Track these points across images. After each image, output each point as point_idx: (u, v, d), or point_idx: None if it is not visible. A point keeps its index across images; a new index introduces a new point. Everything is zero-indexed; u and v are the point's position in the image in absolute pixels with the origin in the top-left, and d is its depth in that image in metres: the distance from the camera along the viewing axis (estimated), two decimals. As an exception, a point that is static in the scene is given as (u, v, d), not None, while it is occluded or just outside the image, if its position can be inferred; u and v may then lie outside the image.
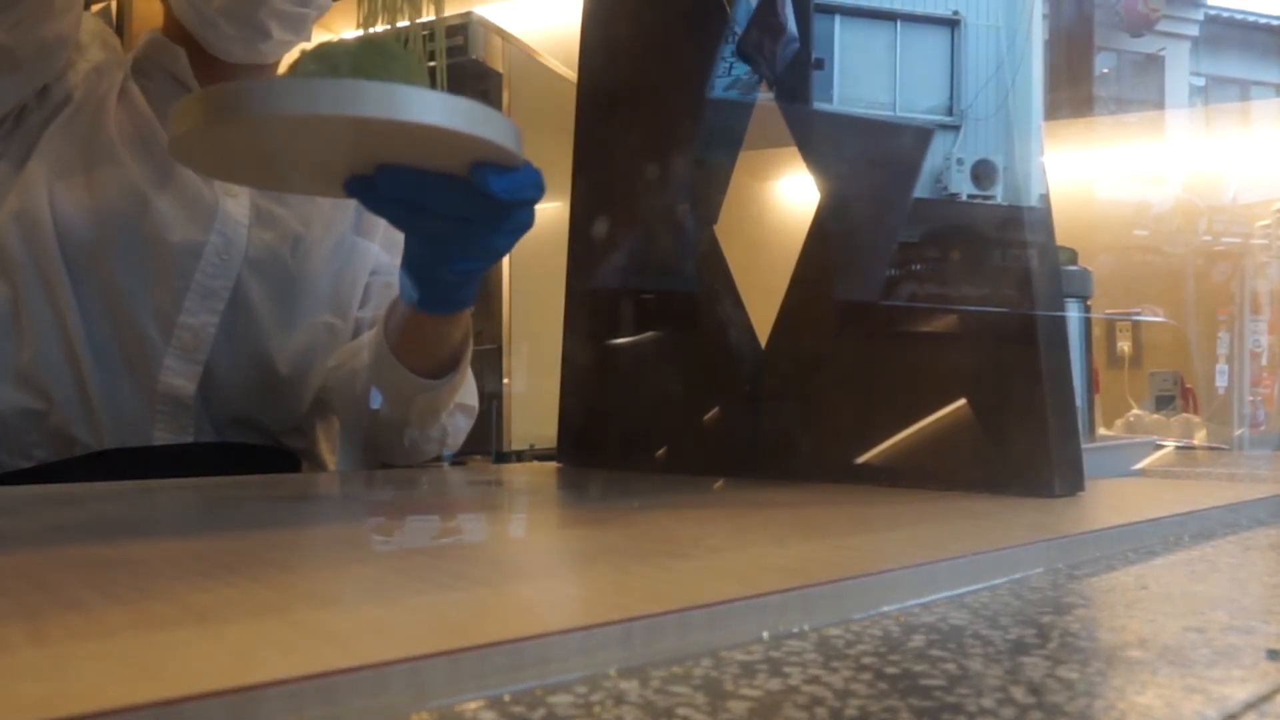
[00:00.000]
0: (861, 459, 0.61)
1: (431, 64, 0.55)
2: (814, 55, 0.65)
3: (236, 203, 0.84)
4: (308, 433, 0.91)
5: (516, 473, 0.84)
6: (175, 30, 0.86)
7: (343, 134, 0.50)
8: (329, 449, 0.94)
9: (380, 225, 0.93)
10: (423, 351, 0.76)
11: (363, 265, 0.92)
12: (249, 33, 0.82)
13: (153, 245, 0.80)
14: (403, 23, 0.56)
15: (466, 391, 0.85)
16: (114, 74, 0.84)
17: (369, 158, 0.55)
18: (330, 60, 0.51)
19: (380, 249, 0.93)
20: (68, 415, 0.79)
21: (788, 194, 2.23)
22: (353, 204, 0.90)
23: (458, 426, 0.87)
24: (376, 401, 0.81)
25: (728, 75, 0.72)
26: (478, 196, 0.55)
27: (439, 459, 0.91)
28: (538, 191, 0.57)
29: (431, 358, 0.77)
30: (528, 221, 0.59)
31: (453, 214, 0.57)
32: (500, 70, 2.08)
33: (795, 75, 0.66)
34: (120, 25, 2.27)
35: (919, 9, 0.64)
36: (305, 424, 0.90)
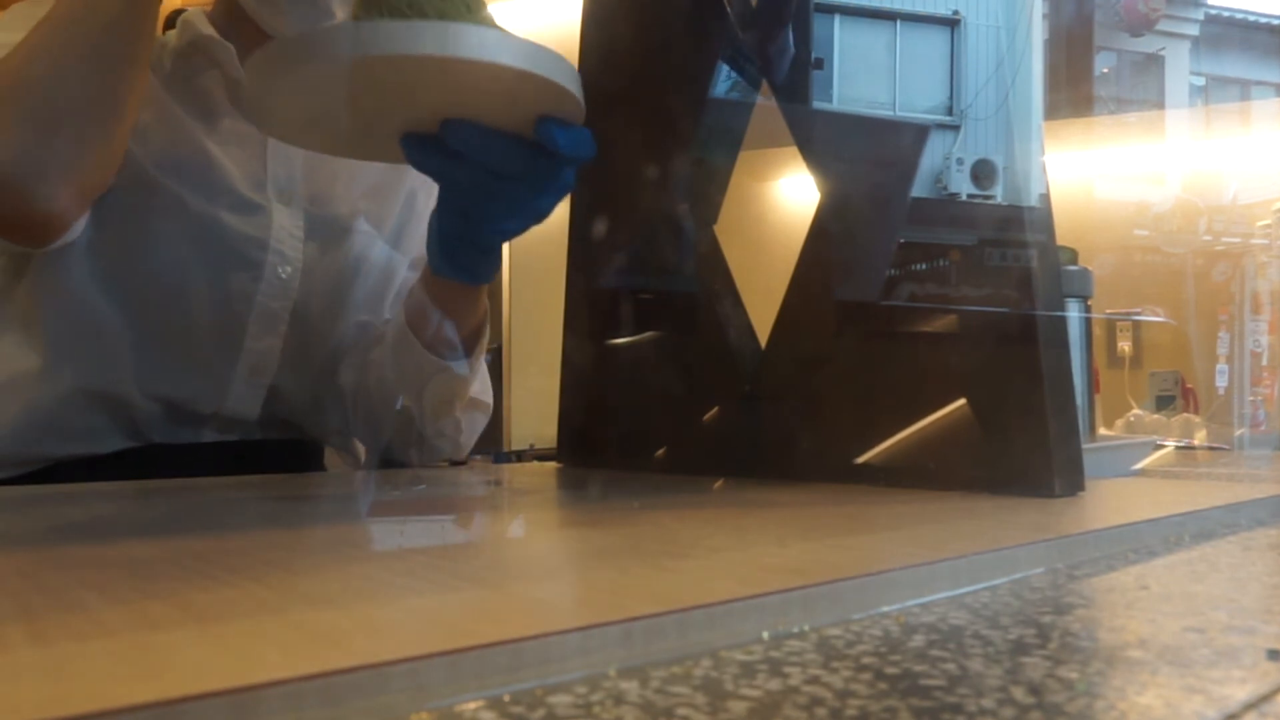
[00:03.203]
0: (861, 459, 0.61)
1: None
2: (814, 55, 0.65)
3: (290, 213, 0.81)
4: (345, 428, 0.91)
5: (516, 473, 0.84)
6: (223, 24, 0.83)
7: (419, 81, 0.50)
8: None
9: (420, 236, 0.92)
10: (440, 329, 0.76)
11: (400, 264, 0.91)
12: (311, 13, 0.79)
13: (213, 271, 0.77)
14: None
15: (481, 389, 0.85)
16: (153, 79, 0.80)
17: (429, 111, 0.54)
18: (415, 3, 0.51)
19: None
20: (104, 441, 0.77)
21: (788, 194, 2.22)
22: (398, 203, 0.91)
23: (472, 424, 0.87)
24: (399, 402, 0.80)
25: (727, 77, 0.72)
26: (534, 152, 0.55)
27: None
28: (593, 149, 0.56)
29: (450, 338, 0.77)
30: (570, 183, 0.59)
31: (508, 171, 0.56)
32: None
33: (795, 75, 0.66)
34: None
35: (919, 9, 0.64)
36: (344, 421, 0.90)
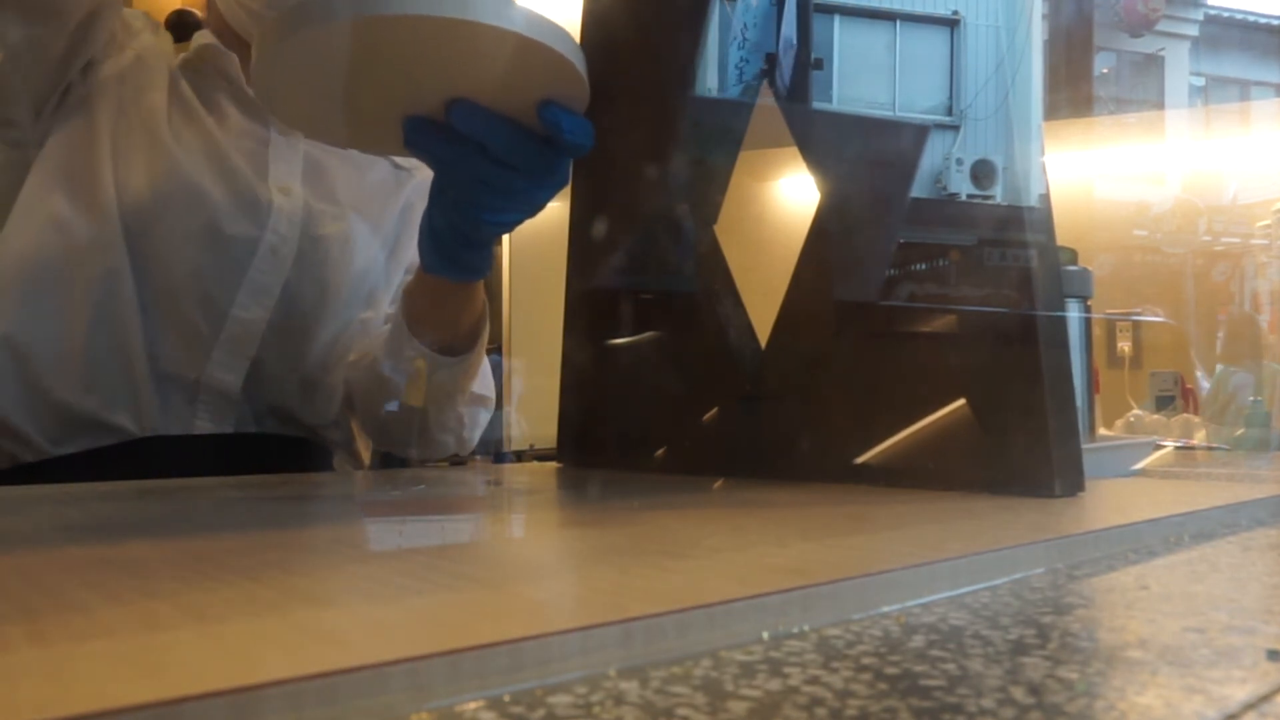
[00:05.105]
0: (861, 459, 0.61)
1: None
2: (814, 55, 0.65)
3: (290, 200, 0.84)
4: (343, 425, 0.91)
5: (516, 473, 0.84)
6: (226, 36, 0.86)
7: (425, 50, 0.49)
8: (364, 443, 0.95)
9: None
10: (439, 326, 0.76)
11: (399, 263, 0.92)
12: None
13: (209, 239, 0.80)
14: None
15: (483, 384, 0.85)
16: (162, 65, 0.84)
17: (433, 88, 0.52)
18: None
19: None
20: (110, 402, 0.79)
21: (788, 194, 2.22)
22: (400, 201, 0.91)
23: (475, 418, 0.87)
24: (394, 404, 0.81)
25: (739, 81, 0.72)
26: (536, 140, 0.54)
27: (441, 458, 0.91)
28: (593, 139, 0.56)
29: (447, 332, 0.77)
30: (566, 177, 0.59)
31: (510, 158, 0.56)
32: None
33: (795, 75, 0.66)
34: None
35: (919, 9, 0.64)
36: (341, 417, 0.91)
